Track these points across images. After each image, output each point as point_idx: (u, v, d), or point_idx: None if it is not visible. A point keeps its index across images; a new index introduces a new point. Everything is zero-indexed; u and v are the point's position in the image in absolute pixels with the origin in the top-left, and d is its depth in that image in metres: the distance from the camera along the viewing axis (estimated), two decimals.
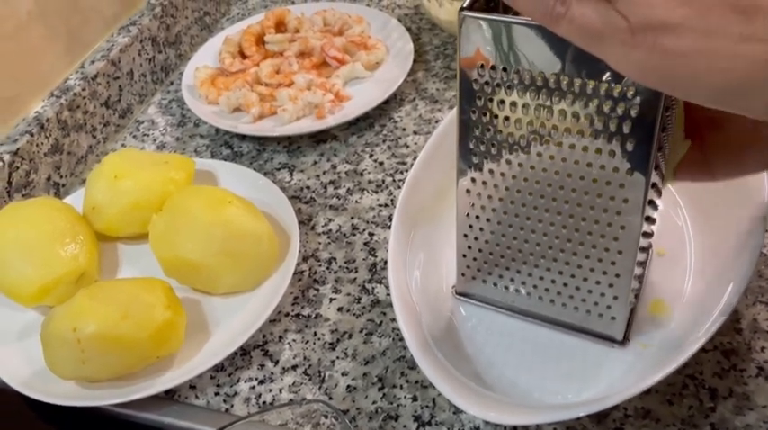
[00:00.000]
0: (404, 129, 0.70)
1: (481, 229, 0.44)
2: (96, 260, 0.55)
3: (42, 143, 0.64)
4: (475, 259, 0.46)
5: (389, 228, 0.51)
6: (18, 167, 0.62)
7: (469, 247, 0.46)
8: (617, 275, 0.41)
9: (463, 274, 0.48)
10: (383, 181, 0.64)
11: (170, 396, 0.49)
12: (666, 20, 0.26)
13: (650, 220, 0.42)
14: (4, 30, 0.62)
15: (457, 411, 0.45)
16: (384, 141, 0.68)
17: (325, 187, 0.64)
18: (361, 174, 0.65)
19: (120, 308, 0.46)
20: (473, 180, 0.42)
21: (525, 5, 0.30)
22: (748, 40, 0.25)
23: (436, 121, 0.70)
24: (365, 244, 0.58)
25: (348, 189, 0.64)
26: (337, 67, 0.75)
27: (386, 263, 0.49)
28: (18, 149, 0.61)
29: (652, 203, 0.40)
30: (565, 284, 0.44)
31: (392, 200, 0.62)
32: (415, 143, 0.68)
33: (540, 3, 0.29)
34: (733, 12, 0.25)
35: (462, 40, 0.36)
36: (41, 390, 0.47)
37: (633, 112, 0.34)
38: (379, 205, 0.62)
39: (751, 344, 0.46)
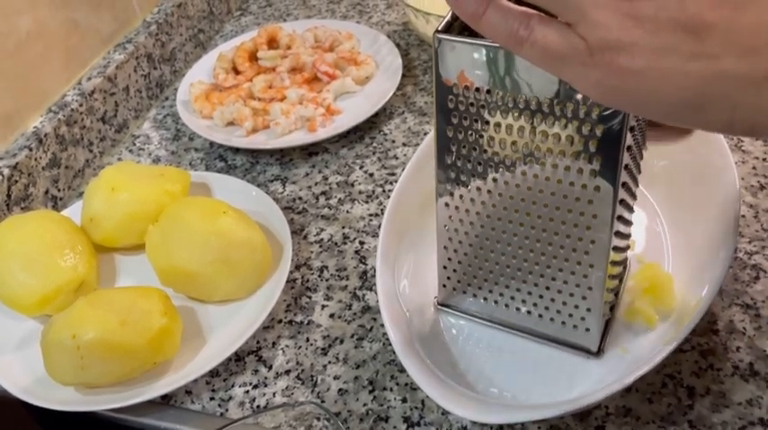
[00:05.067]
0: (393, 142, 0.71)
1: (460, 242, 0.45)
2: (95, 270, 0.56)
3: (40, 157, 0.66)
4: (455, 270, 0.47)
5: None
6: (17, 181, 0.63)
7: (449, 259, 0.47)
8: (589, 288, 0.42)
9: (444, 285, 0.49)
10: (373, 191, 0.66)
11: (166, 401, 0.50)
12: (621, 39, 0.27)
13: (621, 235, 0.42)
14: (4, 48, 0.64)
15: (445, 412, 0.46)
16: (374, 153, 0.70)
17: (317, 198, 0.66)
18: (352, 185, 0.67)
19: (119, 315, 0.48)
20: (451, 194, 0.43)
21: (489, 30, 0.30)
22: (698, 58, 0.26)
23: (425, 133, 0.72)
24: (356, 252, 0.60)
25: (339, 199, 0.65)
26: (328, 81, 0.77)
27: (376, 270, 0.50)
28: (17, 164, 0.63)
29: (622, 219, 0.41)
30: (540, 296, 0.45)
31: (382, 209, 0.63)
32: (405, 154, 0.69)
33: (503, 27, 0.30)
34: (683, 31, 0.26)
35: (438, 61, 0.37)
36: (41, 397, 0.48)
37: (599, 132, 0.36)
38: (370, 215, 0.63)
39: (727, 345, 0.48)
